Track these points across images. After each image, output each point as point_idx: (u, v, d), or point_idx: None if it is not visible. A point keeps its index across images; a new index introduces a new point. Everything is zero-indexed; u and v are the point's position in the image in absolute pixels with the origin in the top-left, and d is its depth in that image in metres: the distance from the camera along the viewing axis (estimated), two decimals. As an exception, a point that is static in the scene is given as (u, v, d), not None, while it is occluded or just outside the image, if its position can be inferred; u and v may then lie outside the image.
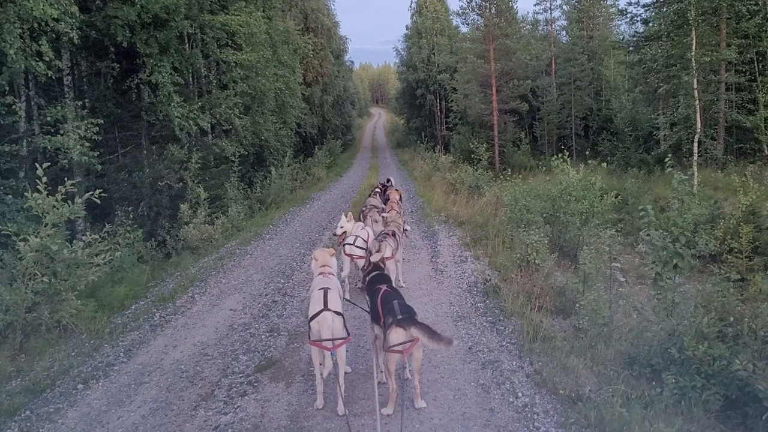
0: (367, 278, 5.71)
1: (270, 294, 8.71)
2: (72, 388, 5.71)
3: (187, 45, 15.54)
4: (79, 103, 11.42)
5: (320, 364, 4.93)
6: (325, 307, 4.83)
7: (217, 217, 13.61)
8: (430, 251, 10.86)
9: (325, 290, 4.99)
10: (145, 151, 14.34)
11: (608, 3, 39.26)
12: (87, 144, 10.43)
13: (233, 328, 7.27)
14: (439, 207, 15.62)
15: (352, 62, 57.43)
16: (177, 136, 13.47)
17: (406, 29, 46.86)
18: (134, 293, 8.86)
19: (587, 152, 20.22)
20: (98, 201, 7.83)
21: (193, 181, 13.96)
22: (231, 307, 8.10)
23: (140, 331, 7.29)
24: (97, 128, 10.69)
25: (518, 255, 9.40)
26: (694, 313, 5.38)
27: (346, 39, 45.43)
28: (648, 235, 6.62)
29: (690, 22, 20.38)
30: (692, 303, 5.65)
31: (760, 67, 22.99)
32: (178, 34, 13.57)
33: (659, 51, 23.05)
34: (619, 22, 36.68)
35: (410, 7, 46.14)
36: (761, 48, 22.51)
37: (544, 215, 11.50)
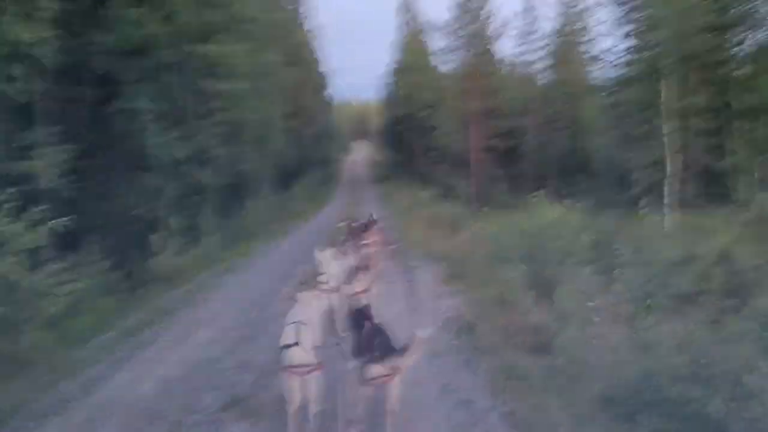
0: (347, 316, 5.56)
1: (239, 328, 8.46)
2: (23, 426, 5.39)
3: (168, 73, 15.48)
4: (53, 129, 11.17)
5: (291, 400, 4.69)
6: (297, 342, 4.65)
7: (190, 248, 13.32)
8: (406, 286, 10.74)
9: (299, 324, 4.82)
10: (118, 179, 14.06)
11: (584, 49, 40.56)
12: (57, 171, 10.21)
13: (200, 364, 7.01)
14: (417, 242, 15.56)
15: (333, 97, 58.11)
16: (152, 165, 13.28)
17: (390, 66, 47.86)
18: (98, 326, 8.52)
19: (564, 191, 20.55)
20: (65, 228, 7.62)
21: (167, 211, 13.71)
22: (198, 342, 7.84)
23: (102, 366, 6.98)
24: (69, 155, 10.48)
25: (495, 292, 9.33)
26: (668, 353, 5.34)
27: (329, 73, 46.15)
28: (623, 273, 6.64)
29: (660, 69, 21.15)
30: (667, 343, 5.62)
31: (729, 114, 23.81)
32: (158, 63, 13.54)
33: (632, 96, 23.77)
34: (592, 70, 37.88)
35: (394, 44, 47.20)
36: (729, 97, 23.36)
37: (522, 253, 11.51)
